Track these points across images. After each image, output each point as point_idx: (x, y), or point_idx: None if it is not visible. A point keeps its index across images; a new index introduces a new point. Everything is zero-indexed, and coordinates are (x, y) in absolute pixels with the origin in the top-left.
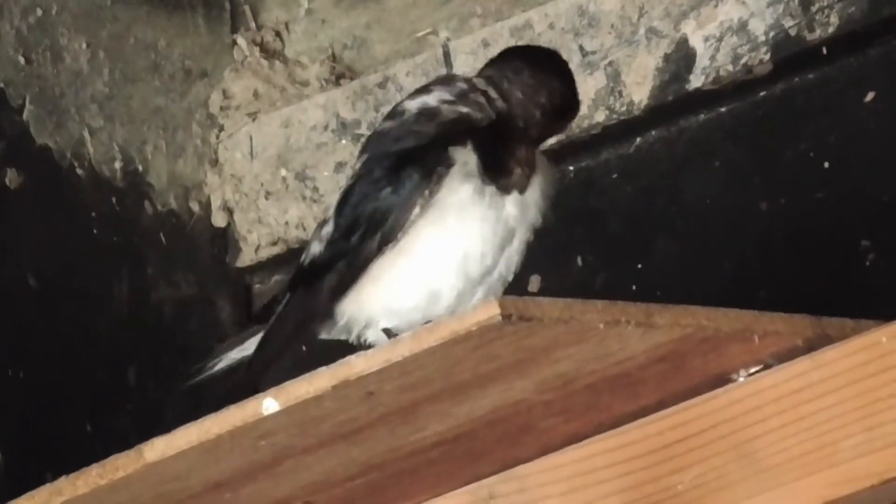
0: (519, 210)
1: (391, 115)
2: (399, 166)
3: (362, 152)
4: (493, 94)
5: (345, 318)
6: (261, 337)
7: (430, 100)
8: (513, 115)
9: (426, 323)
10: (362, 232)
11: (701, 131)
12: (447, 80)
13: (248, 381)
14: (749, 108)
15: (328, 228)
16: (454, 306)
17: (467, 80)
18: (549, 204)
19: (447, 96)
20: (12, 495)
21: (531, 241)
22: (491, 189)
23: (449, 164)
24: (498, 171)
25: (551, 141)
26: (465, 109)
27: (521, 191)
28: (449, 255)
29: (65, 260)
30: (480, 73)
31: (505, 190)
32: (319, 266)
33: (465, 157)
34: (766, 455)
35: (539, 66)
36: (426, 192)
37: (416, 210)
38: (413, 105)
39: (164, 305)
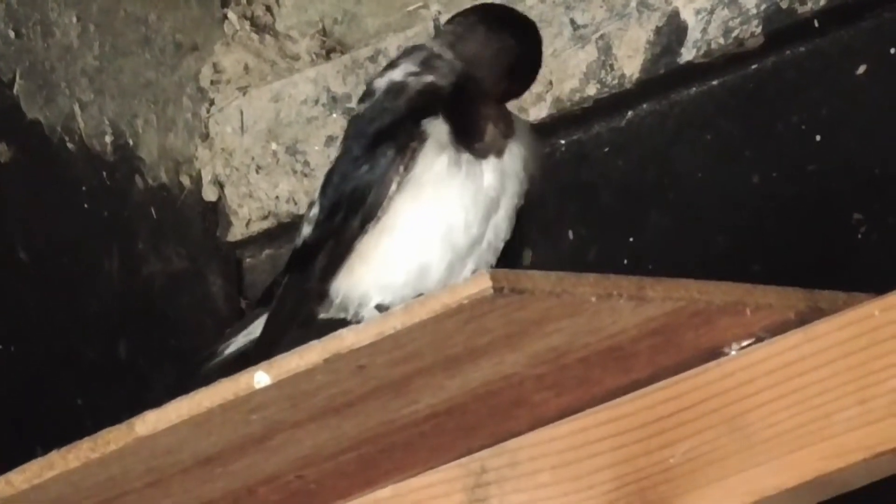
0: (498, 175)
1: (364, 97)
2: (375, 144)
3: (344, 137)
4: (448, 55)
5: (339, 296)
6: (265, 321)
7: (396, 75)
8: (471, 75)
9: (418, 296)
10: (344, 212)
11: (692, 104)
12: (411, 51)
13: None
14: (740, 82)
15: (315, 210)
16: (445, 279)
17: (428, 48)
18: (535, 166)
19: (412, 68)
20: (3, 470)
21: (522, 206)
22: (467, 156)
23: (422, 137)
24: (471, 136)
25: (542, 114)
26: (430, 78)
27: (499, 154)
28: (432, 229)
29: (55, 234)
30: (440, 32)
31: (481, 155)
32: (310, 247)
33: (438, 128)
34: (759, 429)
35: (495, 24)
36: (401, 167)
37: (394, 186)
38: (382, 83)
39: (154, 279)
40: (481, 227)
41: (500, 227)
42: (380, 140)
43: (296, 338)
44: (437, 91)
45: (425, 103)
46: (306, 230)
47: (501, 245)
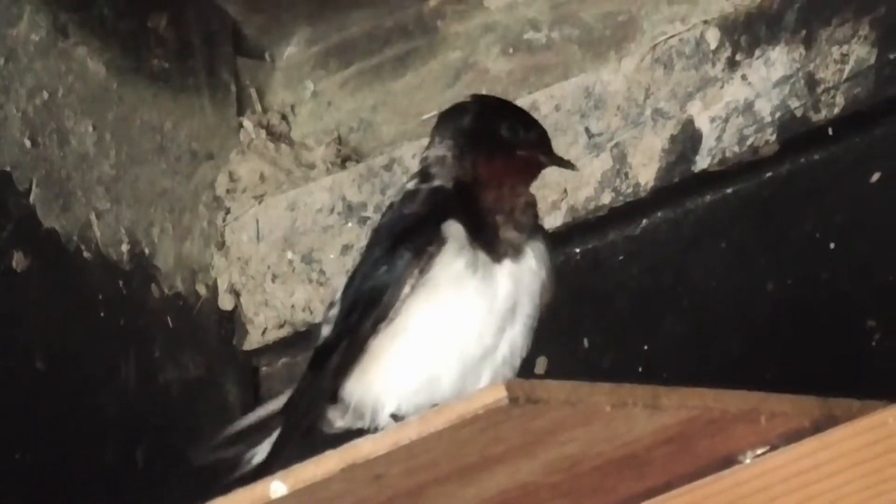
0: (515, 281)
1: (385, 212)
2: (394, 246)
3: (367, 244)
4: (444, 159)
5: (353, 400)
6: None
7: (410, 185)
8: (468, 170)
9: (433, 406)
10: (360, 312)
11: (707, 212)
12: (420, 168)
13: (265, 468)
14: (755, 189)
15: (335, 310)
16: (458, 388)
17: (425, 158)
18: (550, 274)
19: (418, 179)
20: None
21: (536, 322)
22: (484, 259)
23: (440, 241)
24: (485, 234)
25: (557, 222)
26: (437, 183)
27: (517, 253)
28: (443, 332)
29: (72, 342)
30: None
31: (498, 256)
32: (328, 347)
33: (455, 230)
34: None
35: (447, 117)
36: (416, 269)
37: (407, 288)
38: (398, 196)
39: (171, 387)
40: (496, 339)
41: (515, 342)
42: (399, 242)
43: (312, 448)
44: (446, 193)
45: (440, 205)
46: (325, 330)
47: (518, 363)
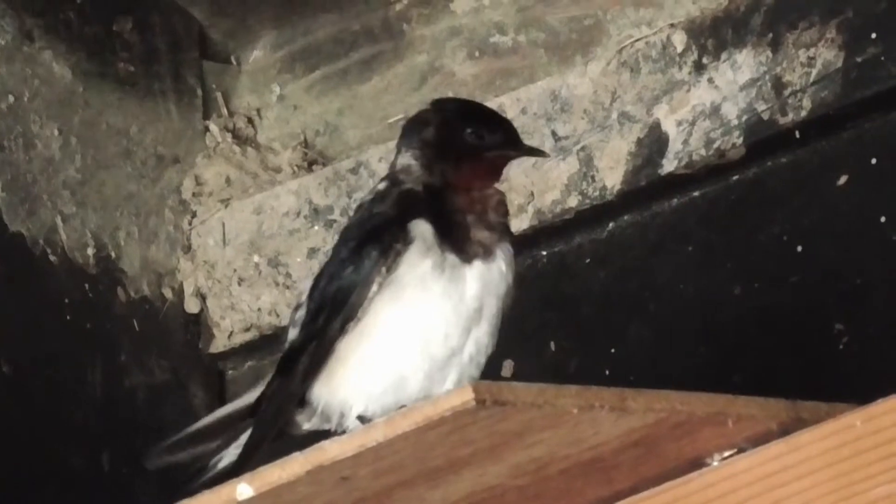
0: (483, 283)
1: (355, 212)
2: (361, 245)
3: (335, 245)
4: (412, 163)
5: (321, 403)
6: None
7: (380, 186)
8: (437, 172)
9: (400, 408)
10: (327, 313)
11: (674, 216)
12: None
13: (235, 473)
14: (722, 192)
15: (301, 312)
16: (425, 389)
17: (393, 167)
18: (514, 276)
19: (390, 181)
20: None
21: (501, 322)
22: (452, 260)
23: (407, 239)
24: (455, 236)
25: (523, 226)
26: (406, 186)
27: (487, 255)
28: (409, 332)
29: (38, 346)
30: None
31: (468, 257)
32: (295, 350)
33: (423, 229)
34: None
35: (410, 128)
36: (383, 268)
37: (375, 287)
38: (368, 196)
39: (137, 391)
40: (462, 339)
41: (481, 341)
42: (366, 241)
43: (280, 450)
44: (416, 195)
45: (409, 206)
46: (292, 333)
47: (483, 360)
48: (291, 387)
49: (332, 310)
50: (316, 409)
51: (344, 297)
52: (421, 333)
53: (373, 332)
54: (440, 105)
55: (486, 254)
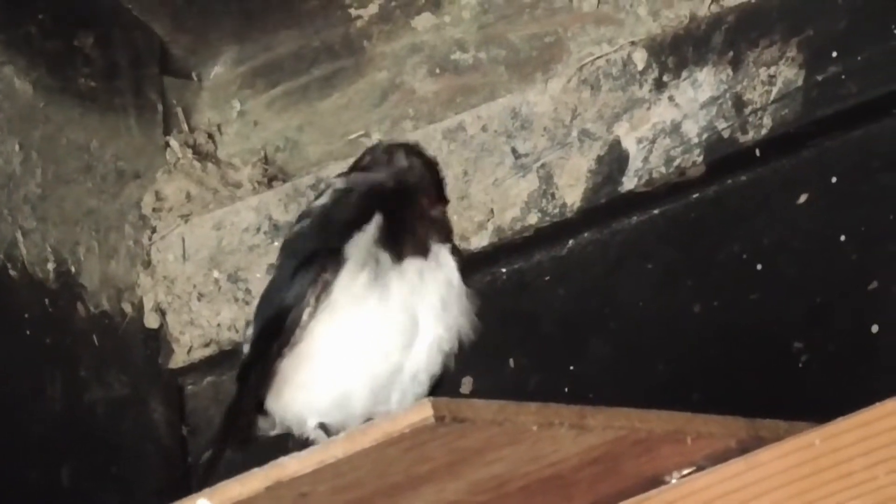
0: (418, 285)
1: (303, 216)
2: (295, 272)
3: (279, 256)
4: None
5: (277, 416)
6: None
7: (339, 183)
8: (409, 177)
9: (365, 422)
10: (267, 335)
11: (634, 233)
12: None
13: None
14: (682, 210)
15: (250, 330)
16: (369, 406)
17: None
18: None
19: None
20: None
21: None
22: (387, 264)
23: (338, 264)
24: (406, 235)
25: (483, 242)
26: (376, 177)
27: (425, 257)
28: (347, 353)
29: None
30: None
31: (412, 255)
32: (246, 367)
33: (364, 241)
34: None
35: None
36: (313, 297)
37: (306, 315)
38: (322, 198)
39: (97, 406)
40: (402, 355)
41: (421, 358)
42: (298, 268)
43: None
44: (382, 187)
45: (365, 207)
46: (245, 349)
47: (426, 378)
48: (242, 403)
49: (272, 332)
50: (276, 420)
51: (280, 321)
52: (357, 350)
53: (311, 353)
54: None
55: (425, 252)
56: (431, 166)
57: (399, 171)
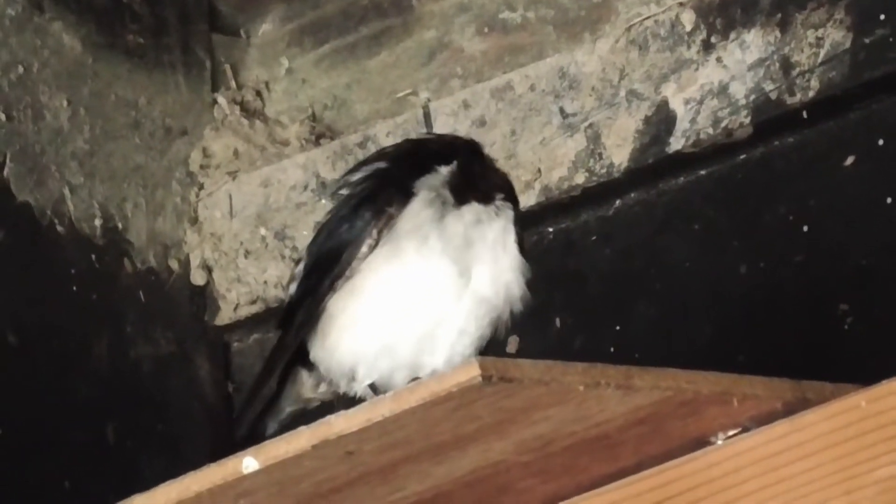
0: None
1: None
2: (359, 204)
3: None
4: None
5: (323, 366)
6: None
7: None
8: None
9: (412, 380)
10: (320, 271)
11: (681, 194)
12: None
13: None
14: (729, 172)
15: (300, 267)
16: (415, 356)
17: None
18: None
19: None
20: None
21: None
22: (452, 210)
23: (403, 201)
24: (470, 188)
25: (530, 202)
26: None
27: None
28: (399, 293)
29: (44, 317)
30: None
31: (472, 200)
32: (293, 306)
33: (436, 180)
34: None
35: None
36: (374, 230)
37: (365, 248)
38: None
39: (142, 363)
40: (451, 303)
41: (469, 313)
42: (366, 198)
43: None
44: (456, 140)
45: (441, 152)
46: (292, 287)
47: (474, 337)
48: (286, 339)
49: (326, 268)
50: (322, 373)
51: (336, 256)
52: (410, 290)
53: (364, 289)
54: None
55: (488, 201)
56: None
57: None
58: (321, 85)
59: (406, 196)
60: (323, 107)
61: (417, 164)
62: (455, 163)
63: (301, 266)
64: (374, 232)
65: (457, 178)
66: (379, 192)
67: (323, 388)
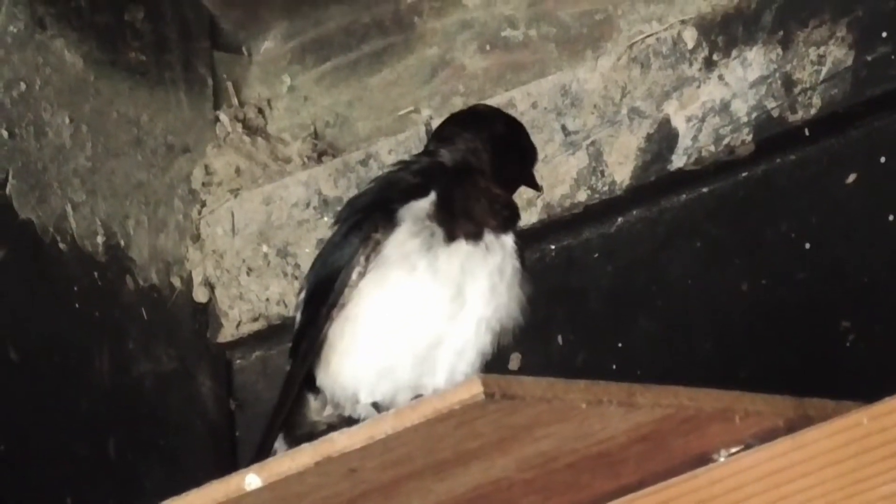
0: (468, 264)
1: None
2: (347, 233)
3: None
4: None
5: (328, 391)
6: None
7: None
8: (469, 162)
9: (415, 397)
10: (317, 300)
11: (682, 211)
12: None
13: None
14: (731, 189)
15: (303, 295)
16: (413, 378)
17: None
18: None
19: (423, 157)
20: None
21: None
22: (441, 247)
23: (388, 227)
24: (461, 215)
25: (532, 219)
26: (439, 159)
27: (483, 244)
28: (391, 317)
29: (46, 333)
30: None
31: (469, 238)
32: (299, 335)
33: (419, 211)
34: None
35: (478, 119)
36: (362, 257)
37: (358, 270)
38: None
39: (144, 379)
40: (445, 325)
41: (467, 333)
42: (351, 228)
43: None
44: (442, 167)
45: (424, 181)
46: (298, 316)
47: (474, 356)
48: (294, 370)
49: (323, 296)
50: (327, 396)
51: (330, 283)
52: (402, 314)
53: (358, 315)
54: (505, 118)
55: (477, 238)
56: (513, 137)
57: (464, 151)
58: (323, 102)
59: (391, 222)
60: (325, 124)
61: (401, 190)
62: (434, 195)
63: (303, 294)
64: (362, 259)
65: (439, 210)
66: (363, 220)
67: (329, 411)
